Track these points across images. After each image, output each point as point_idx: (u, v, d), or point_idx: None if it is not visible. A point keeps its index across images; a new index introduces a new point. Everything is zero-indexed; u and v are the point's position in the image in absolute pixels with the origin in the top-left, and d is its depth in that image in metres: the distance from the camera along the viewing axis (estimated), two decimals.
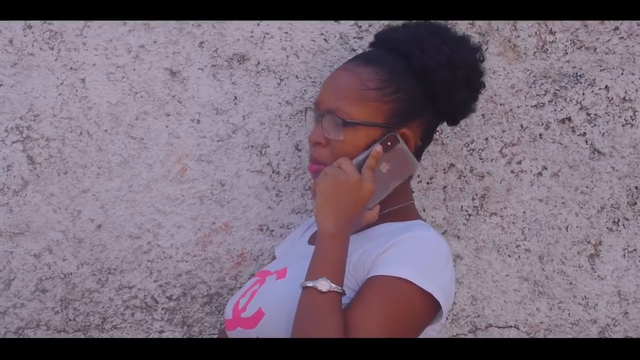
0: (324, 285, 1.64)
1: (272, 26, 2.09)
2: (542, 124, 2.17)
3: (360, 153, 1.77)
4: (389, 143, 1.78)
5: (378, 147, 1.77)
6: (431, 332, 1.75)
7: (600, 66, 2.17)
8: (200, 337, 2.16)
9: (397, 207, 1.85)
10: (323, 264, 1.67)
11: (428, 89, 1.82)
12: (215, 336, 2.15)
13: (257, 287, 1.83)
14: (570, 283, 2.21)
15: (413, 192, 2.16)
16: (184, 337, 2.16)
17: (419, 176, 2.16)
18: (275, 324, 1.72)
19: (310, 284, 1.65)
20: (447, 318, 2.18)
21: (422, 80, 1.81)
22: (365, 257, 1.72)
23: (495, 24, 2.13)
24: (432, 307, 1.69)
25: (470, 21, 2.11)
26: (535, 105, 2.16)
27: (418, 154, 1.85)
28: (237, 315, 1.81)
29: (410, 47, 1.82)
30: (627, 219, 2.21)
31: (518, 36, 2.14)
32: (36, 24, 2.04)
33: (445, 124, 1.99)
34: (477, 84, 1.90)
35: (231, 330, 1.82)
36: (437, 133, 2.15)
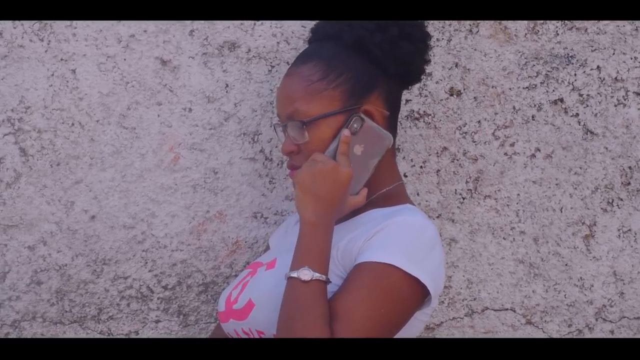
0: (306, 274, 1.68)
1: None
2: (535, 105, 2.22)
3: (330, 143, 1.82)
4: (355, 125, 1.82)
5: (346, 132, 1.81)
6: (422, 316, 1.79)
7: (592, 46, 2.22)
8: (196, 325, 2.21)
9: (385, 190, 1.89)
10: (305, 254, 1.71)
11: (370, 59, 1.86)
12: (212, 325, 2.20)
13: (249, 279, 1.88)
14: (566, 264, 2.27)
15: (407, 176, 2.21)
16: (180, 326, 2.21)
17: (412, 160, 2.21)
18: (266, 315, 1.76)
19: (293, 274, 1.69)
20: (443, 302, 2.24)
21: (360, 53, 1.86)
22: (352, 244, 1.76)
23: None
24: (420, 292, 1.72)
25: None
26: (527, 87, 2.22)
27: (390, 124, 1.89)
28: (229, 307, 1.86)
29: (339, 28, 1.88)
30: (621, 199, 2.26)
31: None
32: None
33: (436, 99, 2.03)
34: (418, 35, 1.92)
35: (224, 322, 1.88)
36: (430, 117, 2.20)
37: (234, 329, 1.85)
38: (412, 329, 1.78)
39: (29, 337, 2.17)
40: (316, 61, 1.86)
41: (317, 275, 1.68)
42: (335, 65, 1.85)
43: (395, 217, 1.78)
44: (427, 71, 2.17)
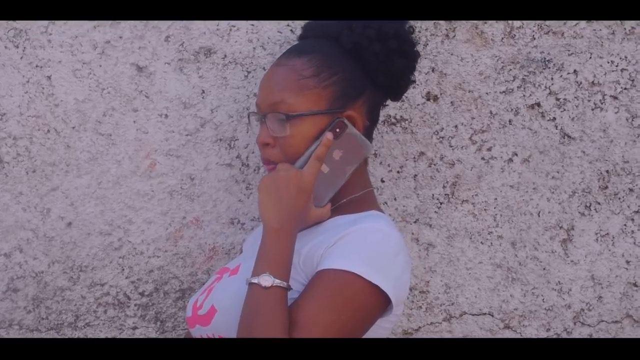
0: (266, 280, 1.70)
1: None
2: (512, 109, 2.27)
3: (312, 143, 1.84)
4: (337, 129, 1.85)
5: (329, 135, 1.83)
6: (385, 323, 1.81)
7: (568, 50, 2.27)
8: (173, 331, 2.25)
9: (353, 196, 1.91)
10: (266, 260, 1.73)
11: (363, 66, 1.90)
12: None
13: (215, 284, 1.91)
14: (544, 269, 2.31)
15: (384, 181, 2.25)
16: (157, 332, 2.25)
17: (389, 165, 2.26)
18: (227, 320, 1.79)
19: (254, 280, 1.71)
20: (420, 307, 2.28)
21: (356, 58, 1.90)
22: (314, 250, 1.79)
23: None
24: (381, 300, 1.74)
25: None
26: (504, 92, 2.26)
27: (368, 134, 1.93)
28: (195, 313, 1.89)
29: (339, 29, 1.91)
30: (599, 203, 2.31)
31: (485, 22, 2.24)
32: (0, 22, 2.12)
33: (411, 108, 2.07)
34: (412, 53, 1.97)
35: (192, 328, 1.91)
36: (407, 122, 2.24)
37: (200, 334, 1.88)
38: (374, 336, 1.80)
39: None
40: (311, 56, 1.88)
41: (277, 282, 1.71)
42: (329, 65, 1.87)
43: (358, 224, 1.80)
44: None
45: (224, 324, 1.80)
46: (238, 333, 1.71)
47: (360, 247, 1.76)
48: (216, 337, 1.83)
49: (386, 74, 1.91)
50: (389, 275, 1.75)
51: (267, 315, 1.67)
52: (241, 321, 1.71)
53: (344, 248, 1.75)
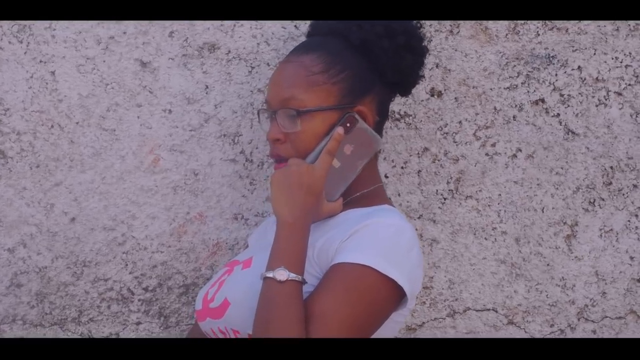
0: (282, 274, 1.71)
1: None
2: (516, 105, 2.27)
3: (322, 138, 1.86)
4: (348, 124, 1.86)
5: (340, 129, 1.85)
6: (398, 317, 1.83)
7: (573, 47, 2.27)
8: (177, 327, 2.26)
9: (365, 191, 1.93)
10: (281, 254, 1.74)
11: (372, 62, 1.91)
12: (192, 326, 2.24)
13: (226, 277, 1.92)
14: (548, 264, 2.32)
15: (388, 177, 2.26)
16: (161, 327, 2.25)
17: (392, 160, 2.26)
18: (241, 313, 1.80)
19: (269, 274, 1.72)
20: (424, 303, 2.29)
21: (364, 54, 1.91)
22: (328, 244, 1.80)
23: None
24: (396, 293, 1.76)
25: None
26: (508, 87, 2.27)
27: (378, 129, 1.94)
28: (206, 306, 1.90)
29: (347, 26, 1.93)
30: (603, 199, 2.31)
31: None
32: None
33: (414, 103, 2.07)
34: (420, 49, 1.99)
35: (202, 321, 1.92)
36: (411, 117, 2.24)
37: (210, 327, 1.89)
38: (388, 330, 1.82)
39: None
40: (320, 53, 1.89)
41: (292, 276, 1.72)
42: (339, 61, 1.89)
43: (372, 218, 1.81)
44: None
45: (237, 317, 1.81)
46: (254, 327, 1.72)
47: (375, 240, 1.77)
48: (228, 330, 1.84)
49: (395, 70, 1.93)
50: (404, 269, 1.76)
51: (283, 309, 1.68)
52: (257, 315, 1.72)
53: (359, 242, 1.76)
